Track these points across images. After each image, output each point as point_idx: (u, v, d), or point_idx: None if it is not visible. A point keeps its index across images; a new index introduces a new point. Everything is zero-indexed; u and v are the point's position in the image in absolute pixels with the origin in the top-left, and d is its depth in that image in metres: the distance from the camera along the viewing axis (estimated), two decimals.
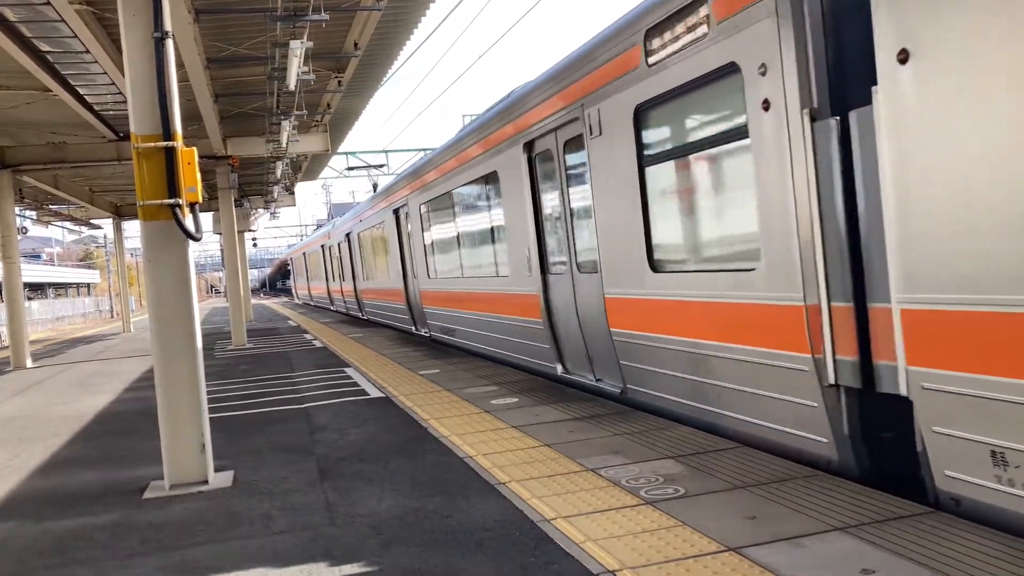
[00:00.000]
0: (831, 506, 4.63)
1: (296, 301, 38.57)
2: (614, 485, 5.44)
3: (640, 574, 3.94)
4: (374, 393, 10.49)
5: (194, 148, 6.54)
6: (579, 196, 8.76)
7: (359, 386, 11.29)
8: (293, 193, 36.91)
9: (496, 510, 5.16)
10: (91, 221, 38.46)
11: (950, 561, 3.75)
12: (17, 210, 23.71)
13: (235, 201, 23.24)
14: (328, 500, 5.74)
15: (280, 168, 25.10)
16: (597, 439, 6.78)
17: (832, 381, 5.16)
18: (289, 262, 39.32)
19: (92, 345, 26.30)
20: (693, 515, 4.71)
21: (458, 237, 13.57)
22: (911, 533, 4.12)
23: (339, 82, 16.89)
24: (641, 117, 7.17)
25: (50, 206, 30.99)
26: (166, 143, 6.34)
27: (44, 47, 12.07)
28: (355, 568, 4.38)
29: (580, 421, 7.54)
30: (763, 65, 5.40)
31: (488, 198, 11.76)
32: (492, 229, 11.79)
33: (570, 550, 4.34)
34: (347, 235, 27.02)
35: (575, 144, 8.64)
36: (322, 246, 35.49)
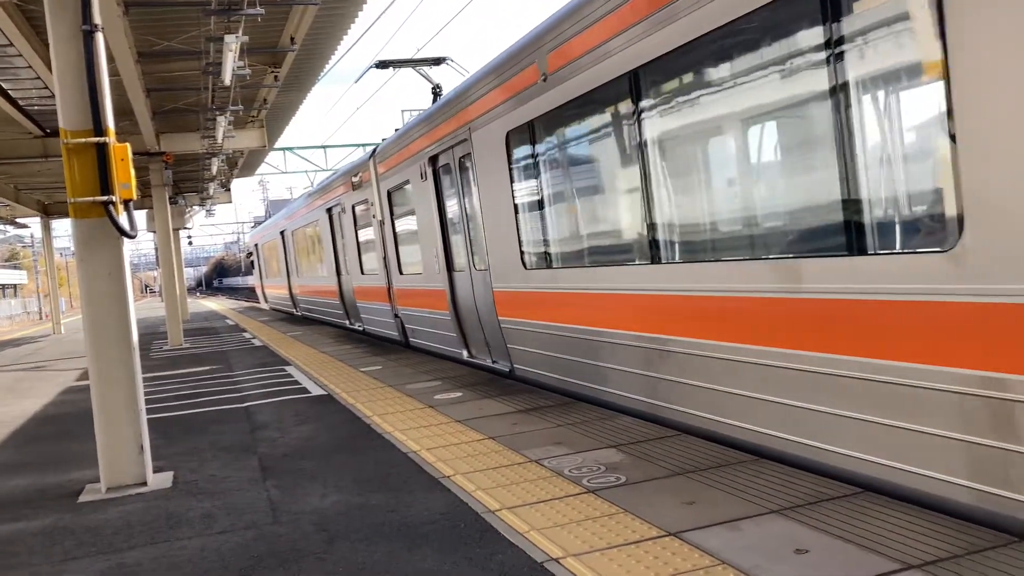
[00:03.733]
0: (766, 489, 4.77)
1: (265, 305, 36.59)
2: (557, 475, 5.52)
3: (583, 561, 4.02)
4: (316, 391, 10.42)
5: (127, 144, 6.41)
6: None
7: (300, 384, 11.19)
8: (229, 190, 36.27)
9: (441, 503, 5.19)
10: (17, 220, 37.22)
11: (876, 538, 3.91)
12: None
13: (170, 198, 22.76)
14: (271, 498, 5.70)
15: (216, 164, 24.66)
16: (541, 431, 6.85)
17: None
18: (254, 253, 37.19)
19: (20, 348, 25.50)
20: (634, 502, 4.81)
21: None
22: (841, 513, 4.28)
23: (276, 77, 16.66)
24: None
25: None
26: (98, 139, 6.20)
27: None
28: (300, 565, 4.37)
29: (524, 413, 7.61)
30: None
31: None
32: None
33: (514, 540, 4.40)
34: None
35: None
36: (256, 245, 35.06)
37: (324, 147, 40.90)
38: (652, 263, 6.46)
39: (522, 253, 8.75)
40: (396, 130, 13.83)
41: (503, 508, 4.94)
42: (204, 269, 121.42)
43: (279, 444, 7.46)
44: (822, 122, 4.64)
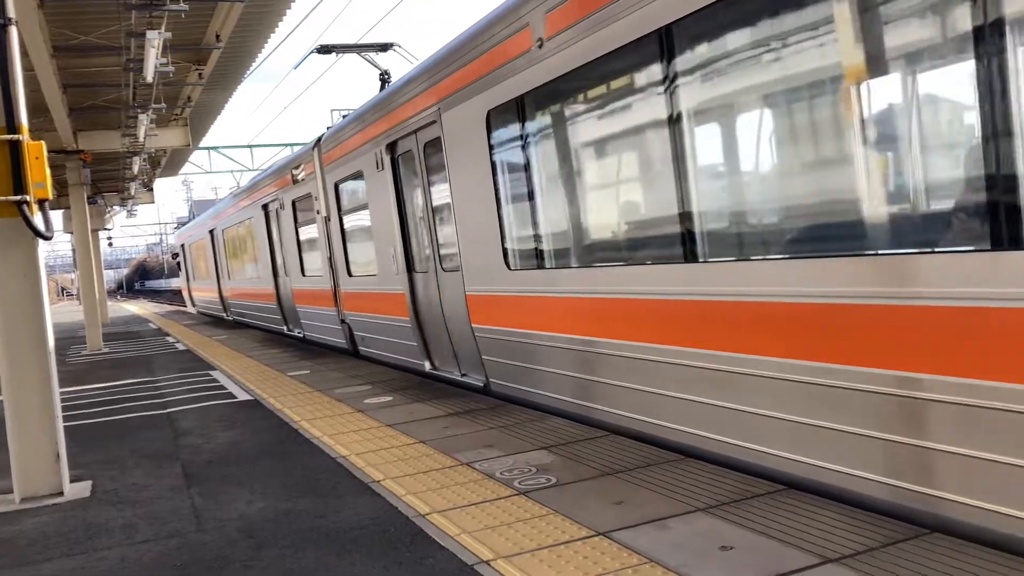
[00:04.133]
0: (693, 488, 4.86)
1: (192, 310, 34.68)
2: (488, 478, 5.52)
3: (513, 562, 4.03)
4: (242, 396, 10.21)
5: (42, 142, 6.19)
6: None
7: (226, 389, 10.96)
8: (152, 190, 35.30)
9: (371, 508, 5.14)
10: None
11: (798, 533, 4.02)
12: None
13: (88, 198, 22.04)
14: (195, 505, 5.57)
15: (137, 163, 23.97)
16: (471, 433, 6.85)
17: None
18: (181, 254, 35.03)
19: None
20: (565, 503, 4.84)
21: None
22: (765, 510, 4.39)
23: (200, 75, 16.29)
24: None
25: None
26: (11, 136, 5.97)
27: None
28: (226, 573, 4.28)
29: (455, 416, 7.60)
30: None
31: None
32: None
33: (445, 543, 4.39)
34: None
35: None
36: (183, 245, 33.54)
37: (250, 146, 40.14)
38: (690, 261, 5.29)
39: (506, 252, 7.62)
40: (344, 116, 12.71)
41: (434, 512, 4.92)
42: (125, 271, 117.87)
43: (204, 450, 7.29)
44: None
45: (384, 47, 15.06)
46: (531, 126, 6.97)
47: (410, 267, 10.17)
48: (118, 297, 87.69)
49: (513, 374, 7.89)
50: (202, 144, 30.97)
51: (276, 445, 7.20)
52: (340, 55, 15.26)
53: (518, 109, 7.05)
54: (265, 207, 17.51)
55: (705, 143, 5.18)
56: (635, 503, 4.72)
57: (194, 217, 41.31)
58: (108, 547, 4.89)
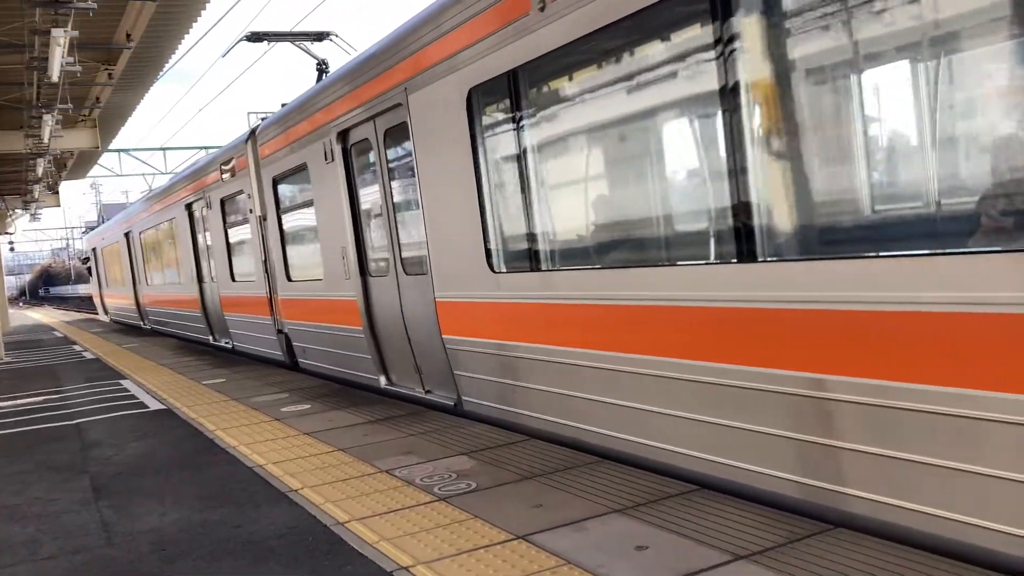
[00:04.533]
0: (610, 490, 4.95)
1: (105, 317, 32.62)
2: (408, 484, 5.51)
3: (433, 568, 4.04)
4: (154, 405, 9.92)
5: None
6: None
7: (137, 399, 10.63)
8: (57, 192, 33.96)
9: (288, 517, 5.08)
10: None
11: (711, 531, 4.14)
12: None
13: None
14: (104, 519, 5.40)
15: (42, 165, 23.03)
16: (392, 440, 6.82)
17: None
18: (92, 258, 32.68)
19: None
20: (484, 508, 4.87)
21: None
22: (679, 509, 4.50)
23: (110, 75, 15.80)
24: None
25: None
26: None
27: None
28: None
29: (375, 424, 7.55)
30: None
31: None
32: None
33: (364, 551, 4.36)
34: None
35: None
36: (95, 249, 31.84)
37: (163, 149, 39.03)
38: (750, 261, 4.37)
39: (489, 253, 6.60)
40: (283, 105, 11.42)
41: (352, 519, 4.89)
42: (28, 277, 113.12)
43: (113, 462, 7.06)
44: None
45: (320, 36, 14.11)
46: (528, 106, 5.99)
47: (364, 271, 9.08)
48: (20, 304, 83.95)
49: (494, 392, 6.89)
50: (112, 146, 29.95)
51: (190, 455, 7.03)
52: (272, 43, 14.40)
53: (510, 86, 6.04)
54: (189, 207, 16.20)
55: (768, 126, 4.31)
56: (554, 506, 4.78)
57: (104, 221, 39.82)
58: (10, 564, 4.70)
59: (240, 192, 12.80)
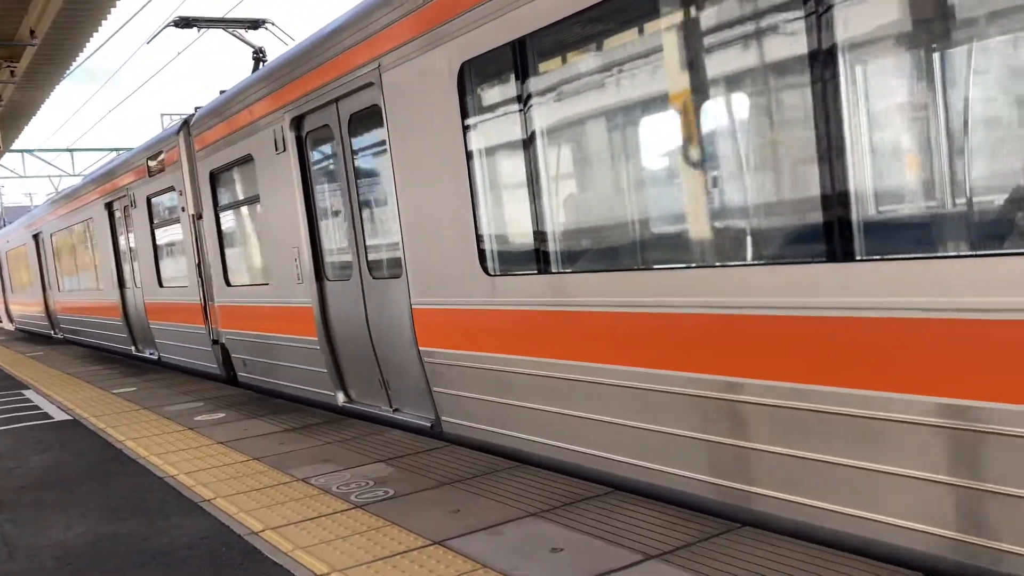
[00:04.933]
0: (528, 494, 5.02)
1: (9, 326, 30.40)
2: (325, 492, 5.47)
3: (349, 575, 4.03)
4: (60, 416, 9.57)
5: None
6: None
7: (41, 409, 10.23)
8: None
9: (201, 528, 4.98)
10: None
11: (623, 532, 4.24)
12: None
13: None
14: (5, 534, 5.19)
15: None
16: (308, 449, 6.75)
17: None
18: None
19: None
20: (402, 514, 4.88)
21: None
22: (593, 511, 4.59)
23: (12, 72, 15.19)
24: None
25: None
26: None
27: None
28: None
29: (291, 432, 7.45)
30: None
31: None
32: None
33: (278, 560, 4.32)
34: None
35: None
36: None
37: (71, 150, 37.62)
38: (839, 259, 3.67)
39: (484, 253, 5.80)
40: (222, 92, 10.42)
41: (267, 529, 4.83)
42: None
43: (15, 475, 6.80)
44: None
45: (256, 24, 13.12)
46: (540, 83, 5.16)
47: (320, 274, 8.16)
48: None
49: (484, 413, 6.07)
50: (14, 146, 28.72)
51: (98, 467, 6.82)
52: (202, 30, 13.42)
53: (516, 60, 5.22)
54: (109, 206, 15.02)
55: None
56: (471, 511, 4.81)
57: (4, 223, 38.05)
58: None
59: (170, 188, 11.71)
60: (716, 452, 4.34)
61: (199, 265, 11.15)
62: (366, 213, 7.32)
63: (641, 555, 3.94)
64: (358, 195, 7.32)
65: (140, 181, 13.00)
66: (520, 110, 5.30)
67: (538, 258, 5.37)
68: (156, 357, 14.12)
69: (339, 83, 7.08)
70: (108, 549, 4.74)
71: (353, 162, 7.30)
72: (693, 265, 4.36)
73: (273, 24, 13.37)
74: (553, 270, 5.28)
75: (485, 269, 5.79)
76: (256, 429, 7.73)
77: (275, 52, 12.82)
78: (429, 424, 6.79)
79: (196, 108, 11.01)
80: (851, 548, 3.79)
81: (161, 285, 12.91)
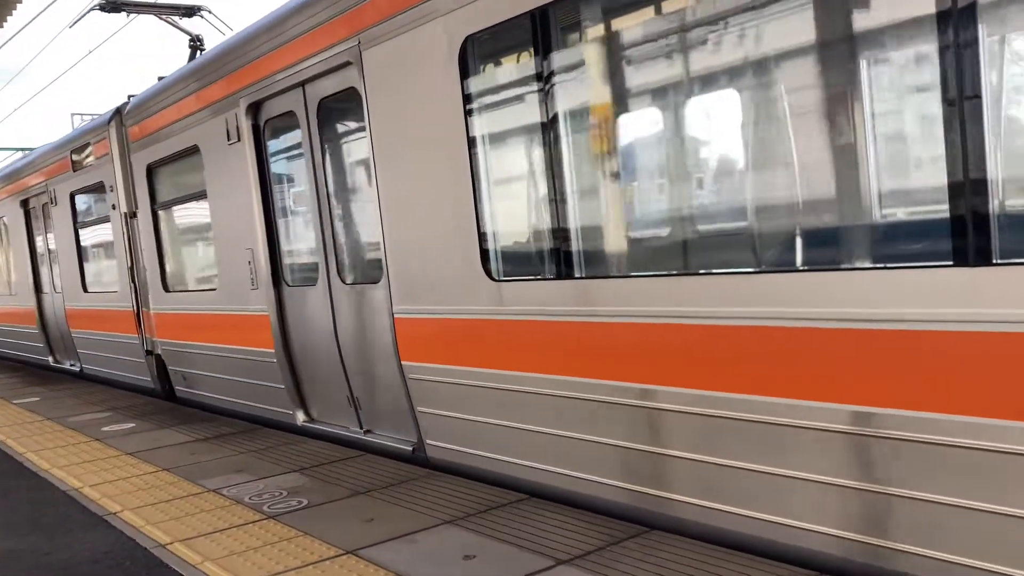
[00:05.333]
0: (444, 502, 5.03)
1: None
2: (237, 503, 5.38)
3: None
4: None
5: None
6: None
7: None
8: None
9: (105, 541, 4.84)
10: None
11: (535, 538, 4.29)
12: None
13: None
14: None
15: None
16: (221, 459, 6.62)
17: None
18: None
19: None
20: (315, 524, 4.83)
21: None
22: (507, 518, 4.63)
23: None
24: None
25: None
26: None
27: None
28: None
29: (204, 442, 7.29)
30: None
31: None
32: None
33: (186, 573, 4.23)
34: None
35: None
36: None
37: None
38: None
39: (487, 254, 5.09)
40: (160, 78, 9.56)
41: (175, 541, 4.73)
42: None
43: None
44: None
45: (190, 11, 12.16)
46: (566, 59, 4.52)
47: (278, 279, 7.37)
48: None
49: (482, 438, 5.37)
50: None
51: None
52: (132, 15, 12.40)
53: (535, 33, 4.52)
54: (25, 203, 13.86)
55: None
56: (386, 519, 4.80)
57: None
58: None
59: (99, 184, 10.63)
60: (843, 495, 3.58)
61: (132, 268, 10.15)
62: (337, 211, 6.59)
63: (552, 560, 4.00)
64: (328, 190, 6.54)
65: (62, 177, 11.86)
66: (540, 90, 4.59)
67: (558, 260, 4.66)
68: (78, 369, 12.92)
69: (308, 63, 6.35)
70: (5, 567, 4.57)
71: (322, 153, 6.56)
72: (793, 269, 3.70)
73: (209, 12, 12.51)
74: (576, 275, 4.56)
75: (488, 273, 5.06)
76: (167, 439, 7.54)
77: (213, 42, 11.76)
78: (410, 448, 6.04)
79: (130, 96, 10.13)
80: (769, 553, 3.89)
81: (86, 290, 11.81)
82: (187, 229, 9.22)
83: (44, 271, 13.75)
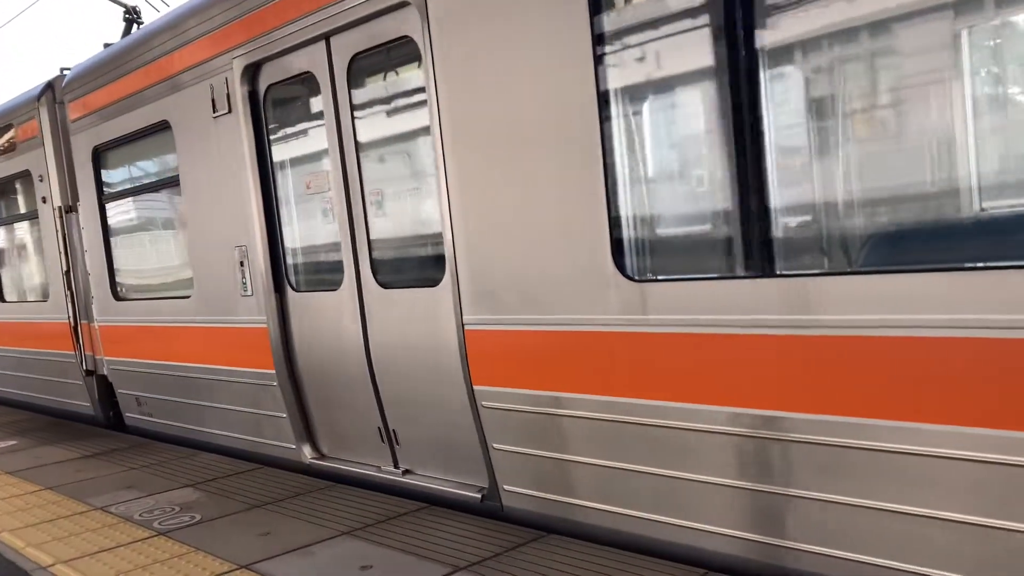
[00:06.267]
0: (342, 513, 4.98)
1: None
2: (125, 521, 5.20)
3: None
4: None
5: None
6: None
7: None
8: None
9: None
10: None
11: (433, 546, 4.30)
12: None
13: None
14: None
15: None
16: (110, 475, 6.38)
17: None
18: None
19: None
20: (208, 540, 4.71)
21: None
22: (406, 528, 4.62)
23: None
24: None
25: None
26: None
27: None
28: None
29: (91, 459, 7.01)
30: None
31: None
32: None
33: None
34: None
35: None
36: None
37: None
38: None
39: (621, 245, 3.93)
40: (107, 45, 8.22)
41: (58, 563, 4.54)
42: None
43: None
44: None
45: None
46: None
47: (280, 283, 6.06)
48: None
49: (593, 484, 4.19)
50: None
51: None
52: None
53: None
54: None
55: None
56: (282, 533, 4.72)
57: None
58: None
59: (22, 174, 9.13)
60: None
61: (68, 273, 8.56)
62: (374, 197, 5.32)
63: (450, 567, 4.01)
64: (360, 172, 5.26)
65: None
66: (739, 20, 3.41)
67: (763, 250, 3.50)
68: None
69: (337, 9, 5.06)
70: None
71: (354, 124, 5.24)
72: None
73: None
74: (787, 271, 3.44)
75: (622, 270, 3.88)
76: (51, 456, 7.21)
77: (150, 16, 10.28)
78: (479, 495, 4.79)
79: (63, 69, 8.69)
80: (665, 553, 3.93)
81: (2, 299, 10.25)
82: (147, 224, 7.74)
83: None
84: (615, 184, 3.88)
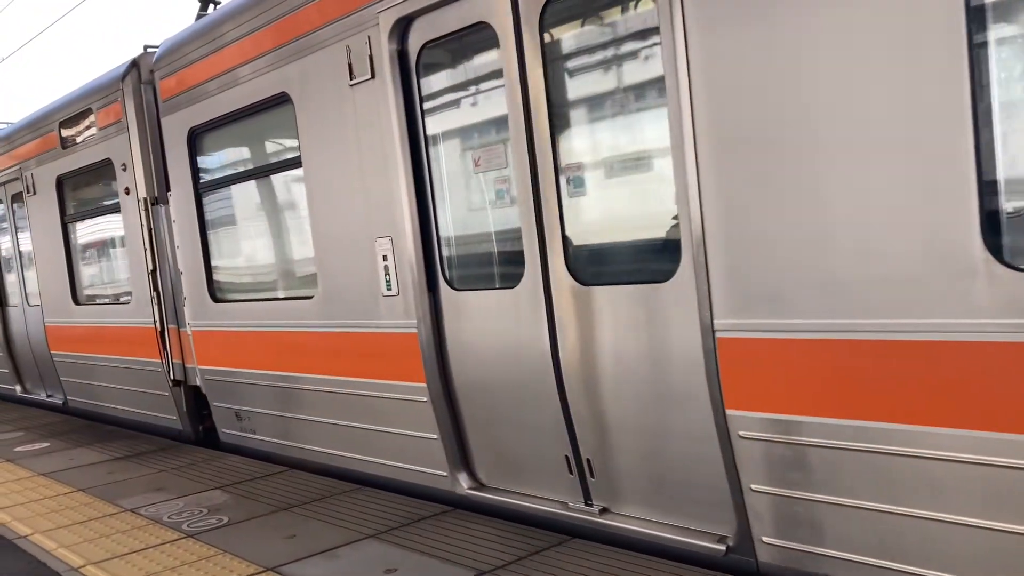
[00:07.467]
0: (367, 516, 5.01)
1: None
2: (154, 523, 5.27)
3: None
4: None
5: None
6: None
7: None
8: None
9: (15, 567, 4.69)
10: None
11: (458, 551, 4.31)
12: None
13: None
14: None
15: None
16: (140, 477, 6.46)
17: None
18: None
19: None
20: (235, 542, 4.76)
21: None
22: (430, 531, 4.64)
23: None
24: None
25: None
26: None
27: None
28: None
29: (122, 461, 7.11)
30: None
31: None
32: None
33: None
34: None
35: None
36: None
37: None
38: None
39: (994, 217, 2.86)
40: (201, 15, 7.70)
41: (88, 564, 4.61)
42: None
43: None
44: None
45: None
46: None
47: (434, 281, 5.06)
48: None
49: (918, 544, 3.18)
50: None
51: None
52: None
53: None
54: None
55: None
56: (308, 535, 4.76)
57: None
58: None
59: (104, 163, 8.18)
60: None
61: (154, 272, 7.68)
62: (573, 172, 4.29)
63: (474, 571, 4.02)
64: (553, 142, 4.25)
65: (44, 156, 9.34)
66: None
67: None
68: (60, 401, 10.27)
69: None
70: None
71: (547, 83, 4.23)
72: None
73: None
74: None
75: (999, 254, 2.82)
76: (83, 458, 7.33)
77: None
78: (722, 549, 3.82)
79: (147, 47, 7.83)
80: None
81: (77, 302, 9.33)
82: (254, 216, 6.73)
83: (11, 278, 11.20)
84: (989, 121, 2.79)
